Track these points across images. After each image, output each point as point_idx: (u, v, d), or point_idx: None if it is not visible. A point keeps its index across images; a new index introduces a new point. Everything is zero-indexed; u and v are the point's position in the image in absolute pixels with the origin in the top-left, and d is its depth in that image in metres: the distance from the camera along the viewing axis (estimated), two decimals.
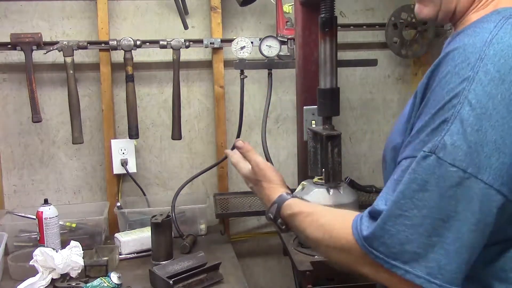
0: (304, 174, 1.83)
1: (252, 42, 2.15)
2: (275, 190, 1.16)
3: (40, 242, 1.87)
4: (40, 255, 1.69)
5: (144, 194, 2.28)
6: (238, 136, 2.19)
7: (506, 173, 0.78)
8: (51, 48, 2.10)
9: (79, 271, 1.74)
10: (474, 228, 0.79)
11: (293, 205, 1.09)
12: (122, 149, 2.23)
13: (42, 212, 1.88)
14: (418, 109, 0.88)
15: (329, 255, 0.98)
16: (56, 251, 1.74)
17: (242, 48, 2.13)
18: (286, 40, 2.19)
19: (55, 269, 1.69)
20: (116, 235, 1.99)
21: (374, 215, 0.87)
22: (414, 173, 0.81)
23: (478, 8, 0.93)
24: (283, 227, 1.11)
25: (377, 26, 2.36)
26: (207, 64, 2.33)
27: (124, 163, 2.23)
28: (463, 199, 0.78)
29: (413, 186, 0.81)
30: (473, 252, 0.81)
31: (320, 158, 1.61)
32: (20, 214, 2.05)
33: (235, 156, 1.31)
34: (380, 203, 0.87)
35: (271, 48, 2.13)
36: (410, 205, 0.81)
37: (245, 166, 1.27)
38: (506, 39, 0.80)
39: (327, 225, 0.96)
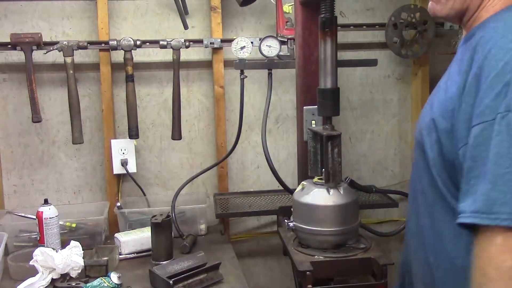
0: (304, 174, 1.83)
1: (252, 42, 2.15)
2: None
3: (40, 242, 1.88)
4: (40, 255, 1.69)
5: (144, 194, 2.28)
6: (238, 136, 2.19)
7: None
8: (51, 48, 2.10)
9: (79, 271, 1.74)
10: None
11: None
12: (122, 149, 2.23)
13: (42, 212, 1.88)
14: (465, 87, 1.00)
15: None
16: (56, 251, 1.74)
17: (242, 48, 2.13)
18: (286, 40, 2.19)
19: (55, 269, 1.69)
20: (116, 235, 1.99)
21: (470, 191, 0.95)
22: (499, 134, 0.91)
23: (487, 6, 1.07)
24: None
25: (377, 26, 2.36)
26: (207, 64, 2.33)
27: (124, 163, 2.23)
28: None
29: (504, 144, 0.90)
30: None
31: (320, 158, 1.61)
32: (20, 214, 2.06)
33: None
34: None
35: (271, 48, 2.13)
36: (504, 163, 0.90)
37: None
38: None
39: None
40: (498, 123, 0.91)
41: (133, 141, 2.24)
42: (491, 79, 0.94)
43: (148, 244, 1.92)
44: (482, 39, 1.00)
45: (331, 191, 1.60)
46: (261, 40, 2.13)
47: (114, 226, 2.20)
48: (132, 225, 2.10)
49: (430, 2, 1.14)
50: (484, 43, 0.99)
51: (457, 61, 1.11)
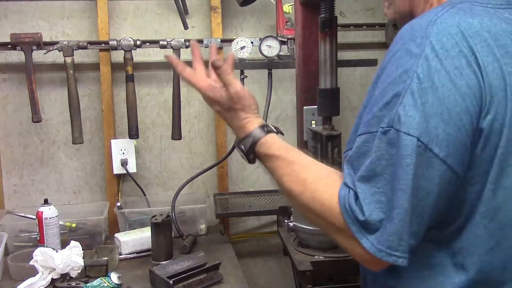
0: None
1: (252, 42, 2.15)
2: (252, 122, 1.06)
3: (40, 242, 1.87)
4: (40, 255, 1.69)
5: (144, 194, 2.28)
6: None
7: (451, 144, 0.81)
8: (51, 48, 2.10)
9: (79, 271, 1.74)
10: (424, 197, 0.82)
11: (271, 144, 1.02)
12: (122, 149, 2.23)
13: (42, 212, 1.88)
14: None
15: (303, 210, 0.95)
16: (56, 251, 1.74)
17: (242, 48, 2.13)
18: (286, 40, 2.19)
19: (55, 269, 1.69)
20: (116, 235, 1.99)
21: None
22: (379, 150, 0.83)
23: (433, 5, 0.96)
24: (253, 161, 1.06)
25: (377, 26, 2.36)
26: (207, 64, 2.32)
27: (124, 163, 2.23)
28: (417, 167, 0.80)
29: (382, 162, 0.83)
30: (422, 222, 0.84)
31: (320, 158, 1.61)
32: (20, 214, 2.05)
33: (199, 70, 1.17)
34: (348, 180, 0.88)
35: (271, 48, 2.13)
36: (383, 181, 0.83)
37: (216, 87, 1.10)
38: (449, 19, 0.85)
39: (310, 183, 0.93)
40: (379, 137, 0.83)
41: (133, 141, 2.24)
42: (385, 86, 0.85)
43: (148, 244, 1.92)
44: (396, 36, 0.89)
45: None
46: (261, 40, 2.13)
47: (114, 226, 2.20)
48: (132, 225, 2.10)
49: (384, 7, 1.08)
50: (394, 42, 0.88)
51: None
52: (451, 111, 0.80)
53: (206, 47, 2.24)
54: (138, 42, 2.14)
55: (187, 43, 2.17)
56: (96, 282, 1.64)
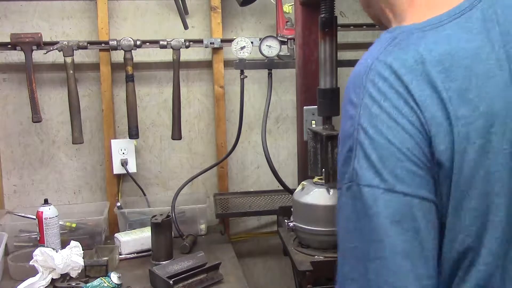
0: (304, 174, 1.83)
1: (252, 42, 2.15)
2: None
3: (40, 242, 1.88)
4: (40, 255, 1.69)
5: (144, 194, 2.28)
6: (238, 136, 2.18)
7: (416, 177, 0.78)
8: (51, 48, 2.10)
9: (79, 271, 1.74)
10: (412, 241, 0.77)
11: None
12: (122, 149, 2.23)
13: (42, 212, 1.88)
14: None
15: None
16: (56, 251, 1.74)
17: (242, 48, 2.13)
18: (286, 40, 2.19)
19: (55, 269, 1.69)
20: (116, 235, 1.99)
21: None
22: (344, 208, 0.82)
23: (390, 22, 0.98)
24: None
25: (377, 26, 2.35)
26: (207, 64, 2.33)
27: (124, 163, 2.23)
28: (388, 217, 0.77)
29: (352, 217, 0.80)
30: (428, 263, 0.78)
31: (320, 158, 1.61)
32: (20, 214, 2.05)
33: None
34: None
35: (271, 48, 2.13)
36: (350, 239, 0.80)
37: None
38: (383, 61, 0.82)
39: None
40: (345, 194, 0.81)
41: (133, 141, 2.24)
42: (342, 141, 0.84)
43: (148, 244, 1.92)
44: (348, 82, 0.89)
45: (331, 191, 1.60)
46: (261, 40, 2.13)
47: (114, 226, 2.20)
48: (132, 225, 2.10)
49: None
50: (344, 93, 0.88)
51: None
52: (401, 149, 0.78)
53: (206, 47, 2.25)
54: (138, 42, 2.14)
55: (187, 43, 2.17)
56: (96, 282, 1.64)
